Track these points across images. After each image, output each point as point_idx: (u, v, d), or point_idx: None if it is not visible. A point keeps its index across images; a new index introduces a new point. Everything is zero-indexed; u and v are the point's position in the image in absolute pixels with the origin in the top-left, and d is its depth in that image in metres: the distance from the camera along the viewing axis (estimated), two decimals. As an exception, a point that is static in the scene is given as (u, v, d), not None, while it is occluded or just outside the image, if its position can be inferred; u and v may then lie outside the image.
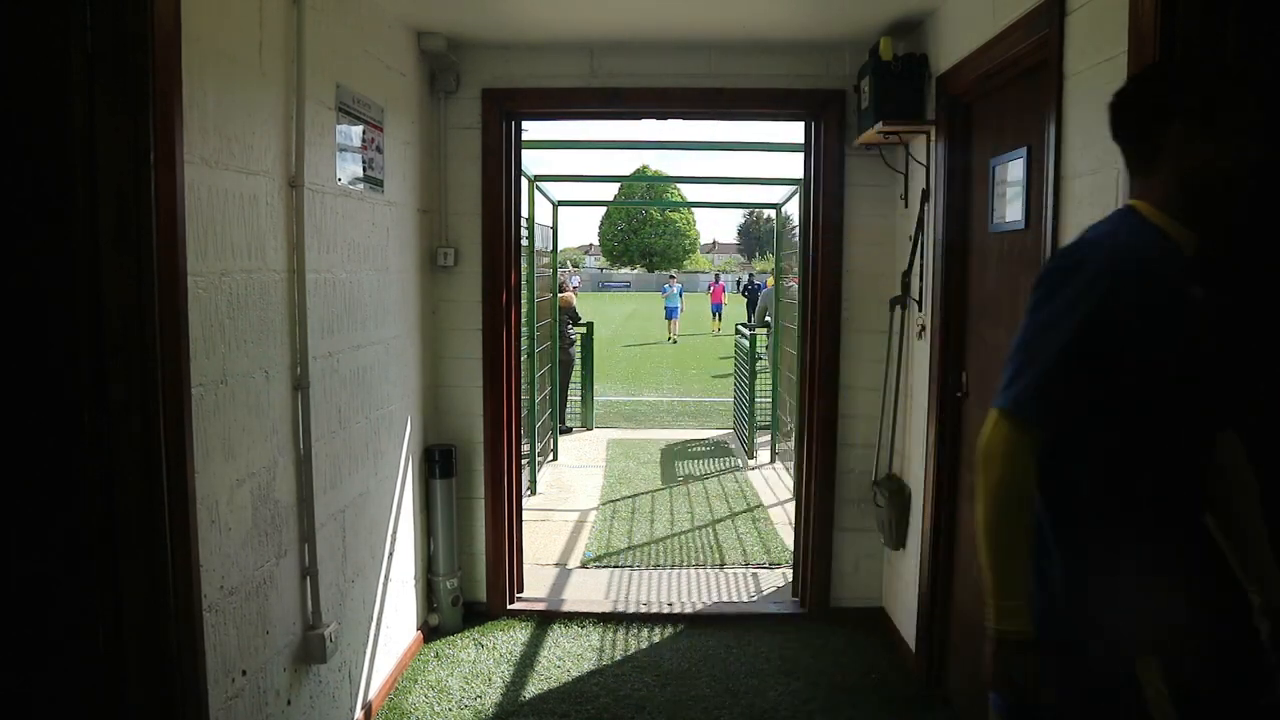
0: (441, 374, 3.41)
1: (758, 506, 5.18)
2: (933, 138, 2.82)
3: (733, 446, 7.02)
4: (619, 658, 3.14)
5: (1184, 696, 1.17)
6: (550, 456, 6.39)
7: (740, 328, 8.01)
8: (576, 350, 7.51)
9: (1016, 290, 2.28)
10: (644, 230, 38.96)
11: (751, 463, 6.41)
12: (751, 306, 9.42)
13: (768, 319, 7.28)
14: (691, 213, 39.30)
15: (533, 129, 3.82)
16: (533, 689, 2.90)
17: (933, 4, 2.77)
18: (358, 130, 2.52)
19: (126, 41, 1.41)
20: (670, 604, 3.58)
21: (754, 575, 3.97)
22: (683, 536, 4.56)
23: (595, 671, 3.03)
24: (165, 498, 1.51)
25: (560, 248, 6.76)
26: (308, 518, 2.19)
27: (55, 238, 1.44)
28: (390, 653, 2.89)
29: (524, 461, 3.99)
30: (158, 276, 1.48)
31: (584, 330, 7.67)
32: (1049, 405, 1.19)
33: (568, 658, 3.13)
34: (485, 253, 3.35)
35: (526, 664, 3.08)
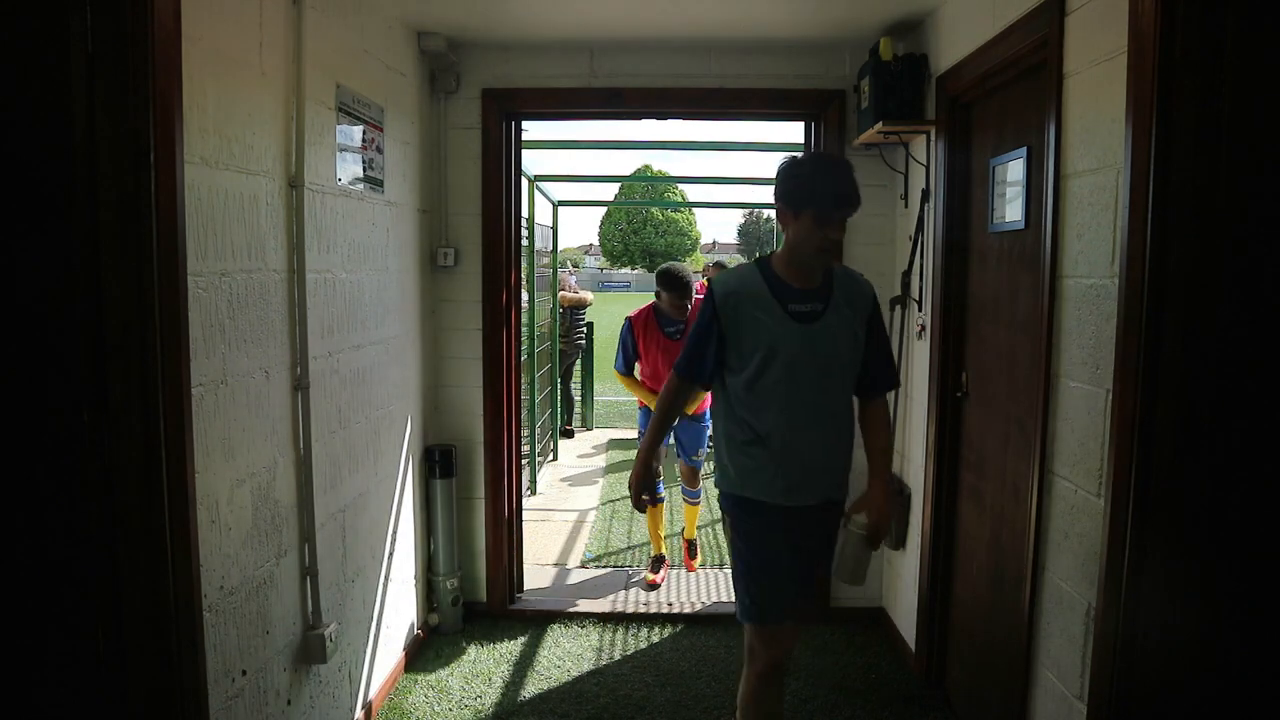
0: (441, 374, 3.41)
1: (758, 506, 5.17)
2: (933, 138, 2.82)
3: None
4: (619, 658, 3.14)
5: None
6: (550, 456, 6.39)
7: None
8: (581, 344, 7.48)
9: (1016, 290, 2.28)
10: (645, 230, 38.89)
11: (751, 463, 6.40)
12: None
13: None
14: (692, 212, 39.26)
15: (533, 129, 3.83)
16: (533, 689, 2.90)
17: (933, 4, 2.77)
18: (358, 130, 2.52)
19: (126, 41, 1.41)
20: (670, 604, 3.58)
21: (754, 575, 3.96)
22: (680, 536, 4.56)
23: (595, 671, 3.03)
24: (165, 498, 1.51)
25: (560, 248, 6.76)
26: (308, 518, 2.19)
27: (55, 238, 1.44)
28: (390, 653, 2.89)
29: (524, 461, 3.99)
30: (158, 276, 1.48)
31: (583, 331, 7.67)
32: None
33: (568, 658, 3.13)
34: (485, 253, 3.35)
35: (526, 664, 3.08)
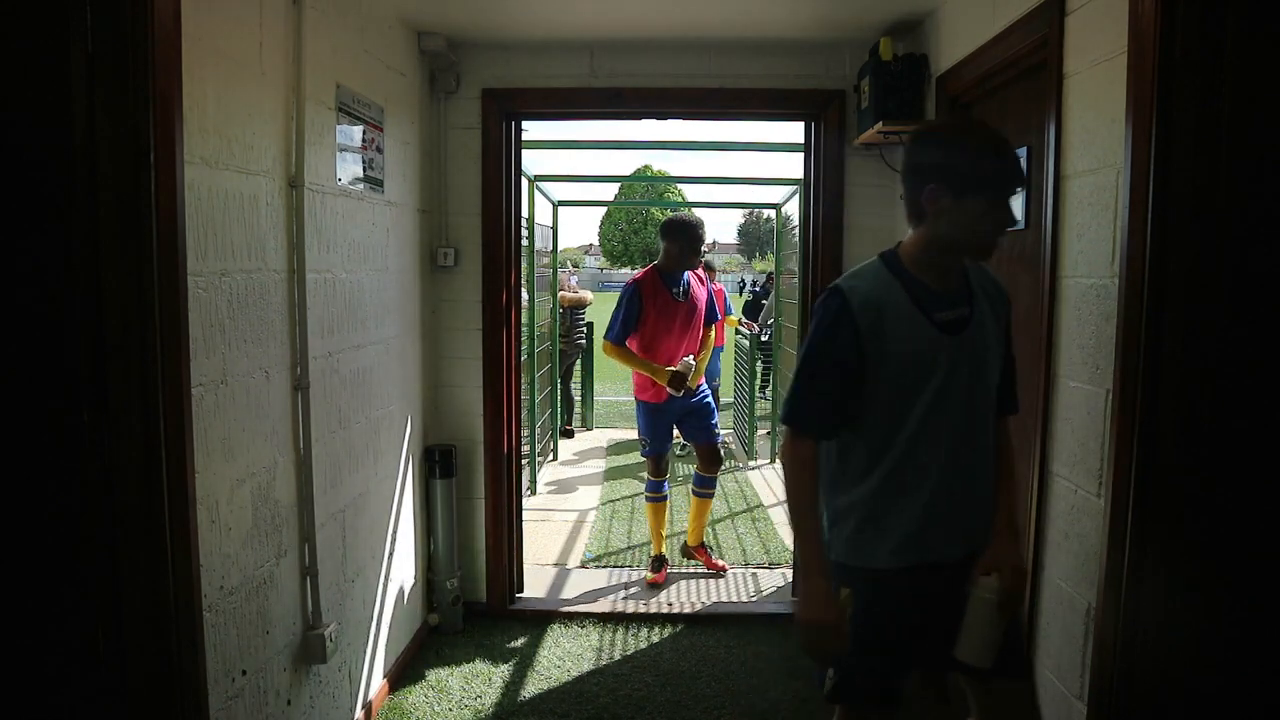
0: (441, 374, 3.41)
1: (757, 506, 5.18)
2: (933, 138, 2.81)
3: (733, 446, 7.02)
4: (619, 658, 3.14)
5: None
6: (550, 456, 6.39)
7: (740, 327, 8.01)
8: (581, 344, 7.49)
9: (1016, 290, 2.28)
10: (645, 230, 38.90)
11: (751, 463, 6.41)
12: (752, 310, 9.44)
13: (770, 323, 7.28)
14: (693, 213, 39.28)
15: (533, 129, 3.82)
16: (533, 689, 2.90)
17: (933, 4, 2.77)
18: (358, 130, 2.52)
19: (126, 41, 1.41)
20: (670, 604, 3.58)
21: (754, 575, 3.97)
22: (682, 536, 4.55)
23: (595, 671, 3.03)
24: (165, 498, 1.51)
25: (560, 248, 6.76)
26: (308, 518, 2.19)
27: (55, 238, 1.44)
28: (390, 653, 2.89)
29: (524, 461, 3.99)
30: (158, 276, 1.48)
31: (583, 331, 7.67)
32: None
33: (568, 658, 3.13)
34: (485, 253, 3.35)
35: (526, 664, 3.08)
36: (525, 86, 3.29)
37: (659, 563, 3.90)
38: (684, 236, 3.70)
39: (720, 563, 3.98)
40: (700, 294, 3.88)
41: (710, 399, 3.98)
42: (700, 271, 3.97)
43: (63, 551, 1.48)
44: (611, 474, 6.01)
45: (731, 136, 9.29)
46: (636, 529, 4.67)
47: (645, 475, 4.04)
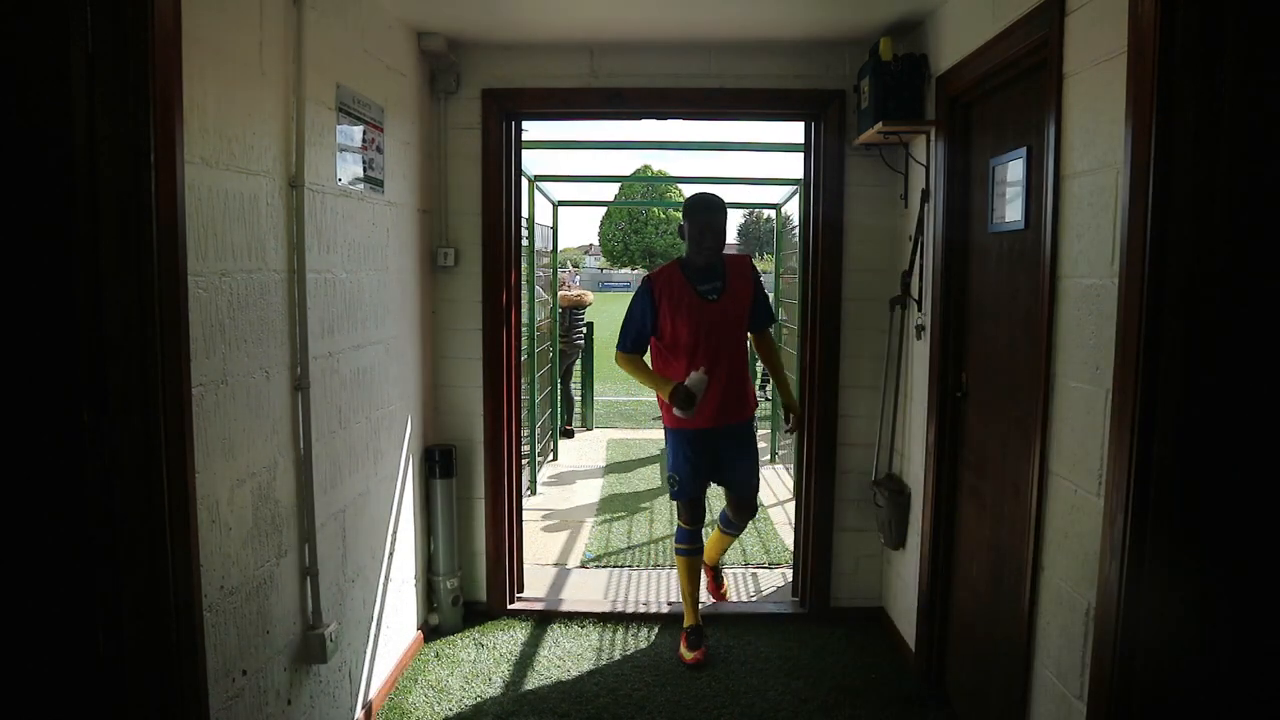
0: (441, 374, 3.41)
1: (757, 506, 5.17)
2: (932, 138, 2.82)
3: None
4: (619, 657, 3.14)
5: None
6: (550, 456, 6.39)
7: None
8: (581, 344, 7.48)
9: (1016, 290, 2.28)
10: (645, 230, 38.86)
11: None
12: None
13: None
14: (693, 213, 39.19)
15: (533, 129, 3.82)
16: (533, 689, 2.90)
17: (933, 4, 2.77)
18: (358, 130, 2.52)
19: (126, 41, 1.41)
20: (670, 604, 3.58)
21: (754, 575, 3.97)
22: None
23: (595, 671, 3.03)
24: (165, 498, 1.51)
25: (560, 248, 6.76)
26: (308, 518, 2.19)
27: (55, 238, 1.44)
28: (390, 652, 2.89)
29: (524, 461, 3.99)
30: (158, 276, 1.48)
31: (583, 331, 7.67)
32: None
33: (568, 658, 3.13)
34: (485, 253, 3.35)
35: (526, 664, 3.08)
36: (525, 86, 3.29)
37: (696, 637, 3.10)
38: (693, 213, 2.99)
39: (722, 592, 3.59)
40: (743, 291, 3.09)
41: (754, 426, 3.26)
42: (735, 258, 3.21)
43: (63, 551, 1.48)
44: (611, 475, 6.01)
45: (731, 136, 9.27)
46: (636, 529, 4.68)
47: (659, 493, 3.70)
